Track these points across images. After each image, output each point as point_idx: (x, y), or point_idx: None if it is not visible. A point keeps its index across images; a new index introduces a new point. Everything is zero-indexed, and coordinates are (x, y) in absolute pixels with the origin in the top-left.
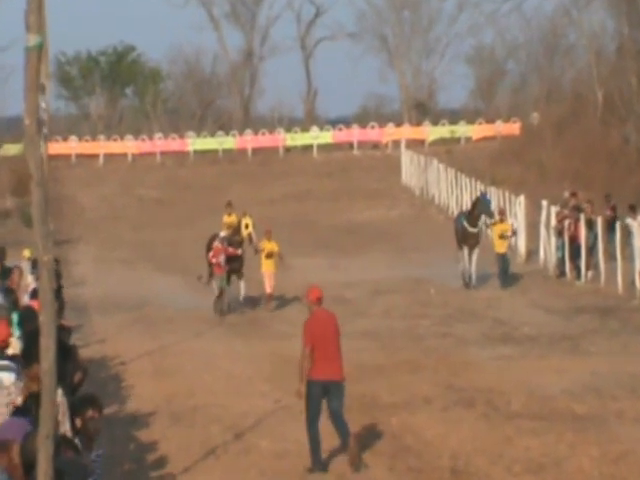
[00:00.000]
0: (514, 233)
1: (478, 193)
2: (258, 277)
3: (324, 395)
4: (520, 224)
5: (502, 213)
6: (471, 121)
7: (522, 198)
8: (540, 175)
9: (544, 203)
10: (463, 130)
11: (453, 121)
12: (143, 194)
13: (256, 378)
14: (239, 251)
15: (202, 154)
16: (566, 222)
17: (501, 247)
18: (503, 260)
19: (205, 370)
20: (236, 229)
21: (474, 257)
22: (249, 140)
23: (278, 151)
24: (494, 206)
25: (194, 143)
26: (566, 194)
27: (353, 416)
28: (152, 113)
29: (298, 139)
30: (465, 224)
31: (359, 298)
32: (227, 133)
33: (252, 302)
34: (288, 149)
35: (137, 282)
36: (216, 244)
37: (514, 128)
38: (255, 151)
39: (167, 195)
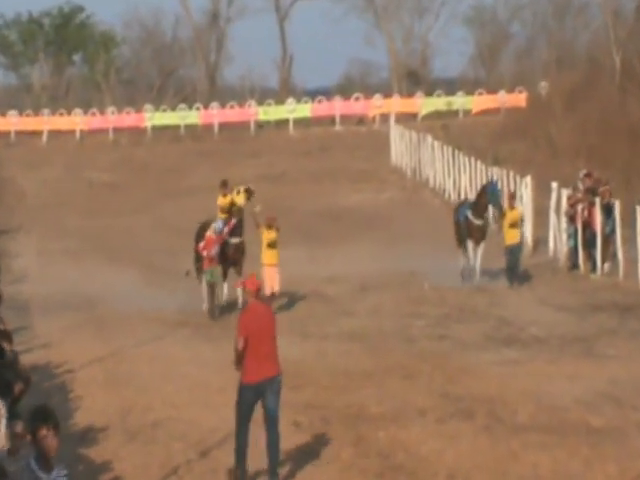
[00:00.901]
0: (522, 221)
1: (485, 178)
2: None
3: (257, 399)
4: (526, 209)
5: (512, 198)
6: (470, 92)
7: (529, 179)
8: (549, 153)
9: (554, 185)
10: (461, 102)
11: (450, 92)
12: (93, 177)
13: (227, 388)
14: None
15: (162, 130)
16: (579, 207)
17: (512, 238)
18: (513, 253)
19: (167, 379)
20: (230, 219)
21: (479, 252)
22: (215, 114)
23: (249, 127)
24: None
25: (152, 118)
26: (580, 174)
27: (335, 430)
28: (104, 84)
29: (272, 113)
30: (470, 215)
31: (343, 295)
32: (190, 106)
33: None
34: (260, 125)
35: (87, 277)
36: (209, 234)
37: (519, 99)
38: (222, 127)
39: (121, 178)
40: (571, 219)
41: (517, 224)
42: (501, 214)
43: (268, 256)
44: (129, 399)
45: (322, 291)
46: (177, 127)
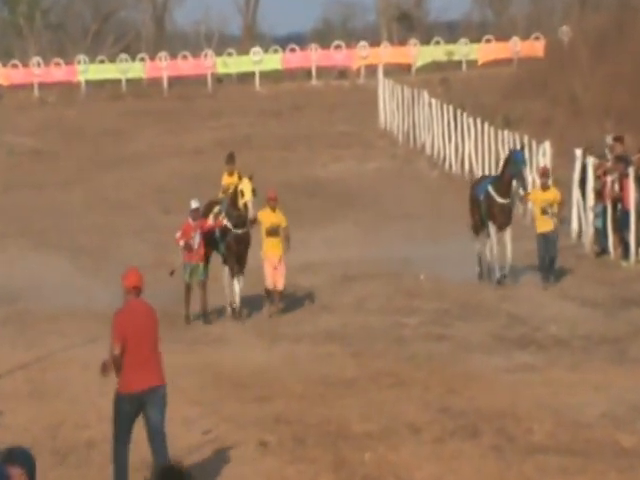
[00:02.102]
0: (561, 206)
1: (494, 144)
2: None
3: (137, 412)
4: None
5: (545, 174)
6: (476, 39)
7: (547, 145)
8: (572, 113)
9: (578, 152)
10: (465, 51)
11: (451, 39)
12: (14, 143)
13: (178, 400)
14: (224, 221)
15: (98, 86)
16: (609, 178)
17: (543, 225)
18: (546, 243)
19: (103, 390)
20: (233, 200)
21: (507, 239)
22: (164, 67)
23: (206, 82)
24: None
25: (87, 71)
26: (609, 139)
27: (311, 451)
28: (27, 29)
29: (233, 65)
30: (492, 192)
31: (322, 286)
32: (133, 57)
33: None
34: (220, 79)
35: (6, 266)
36: (189, 221)
37: (536, 48)
38: (173, 82)
39: (49, 144)
40: (599, 194)
41: (551, 209)
42: (525, 189)
43: (269, 245)
44: (58, 414)
45: (295, 282)
46: (117, 82)
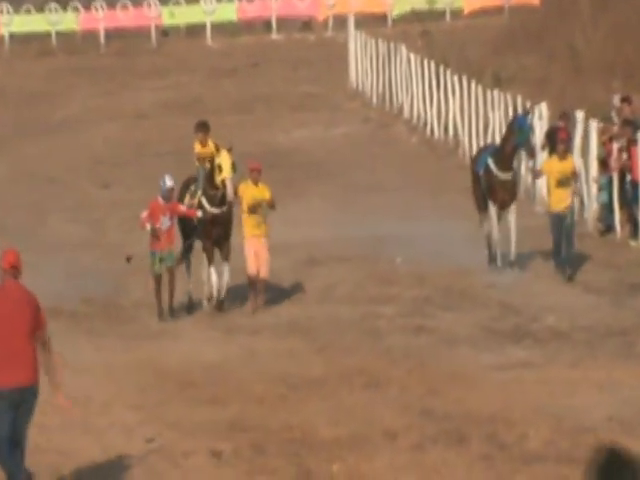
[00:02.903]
0: (575, 176)
1: (482, 105)
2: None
3: (13, 413)
4: (539, 148)
5: (563, 140)
6: None
7: (544, 107)
8: (573, 70)
9: (579, 115)
10: None
11: None
12: None
13: (115, 404)
14: (199, 212)
15: (24, 41)
16: (615, 145)
17: (559, 201)
18: (562, 223)
19: None
20: (210, 177)
21: (511, 219)
22: (101, 18)
23: (149, 35)
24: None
25: (10, 23)
26: (615, 100)
27: (271, 461)
28: None
29: (181, 16)
30: (492, 166)
31: (284, 271)
32: (65, 6)
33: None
34: (165, 32)
35: None
36: (159, 200)
37: None
38: (111, 35)
39: None
40: (603, 163)
41: (568, 182)
42: (534, 159)
43: (250, 224)
44: None
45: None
46: (46, 36)
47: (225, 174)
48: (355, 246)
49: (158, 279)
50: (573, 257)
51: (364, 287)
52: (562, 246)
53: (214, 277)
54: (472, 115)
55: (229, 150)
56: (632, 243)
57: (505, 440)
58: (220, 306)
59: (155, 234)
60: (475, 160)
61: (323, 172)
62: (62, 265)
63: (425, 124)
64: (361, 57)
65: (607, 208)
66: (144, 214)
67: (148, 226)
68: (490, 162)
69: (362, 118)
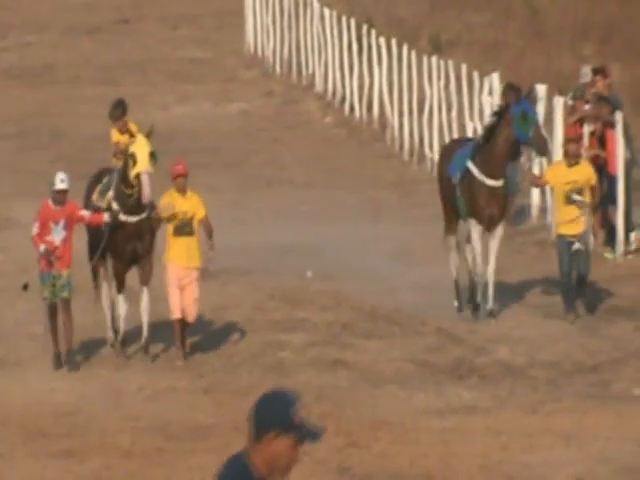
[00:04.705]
0: (594, 192)
1: (417, 78)
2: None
3: None
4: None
5: (573, 138)
6: None
7: (495, 78)
8: (533, 33)
9: (541, 88)
10: None
11: None
12: None
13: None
14: (105, 216)
15: None
16: (585, 129)
17: (569, 223)
18: (574, 253)
19: None
20: (124, 173)
21: (493, 246)
22: None
23: None
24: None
25: None
26: (585, 71)
27: None
28: None
29: None
30: (474, 170)
31: (160, 287)
32: None
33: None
34: None
35: None
36: (49, 204)
37: None
38: None
39: None
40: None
41: (576, 200)
42: (544, 155)
43: (175, 248)
44: None
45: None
46: None
47: (140, 167)
48: (254, 257)
49: (52, 309)
50: (586, 293)
51: (264, 309)
52: (571, 280)
53: (123, 308)
54: (404, 89)
55: (147, 135)
56: (607, 255)
57: None
58: (146, 348)
59: (47, 253)
60: (445, 160)
61: (213, 160)
62: None
63: (343, 100)
64: (261, 12)
65: None
66: (35, 228)
67: (42, 247)
68: (471, 165)
69: (262, 92)
